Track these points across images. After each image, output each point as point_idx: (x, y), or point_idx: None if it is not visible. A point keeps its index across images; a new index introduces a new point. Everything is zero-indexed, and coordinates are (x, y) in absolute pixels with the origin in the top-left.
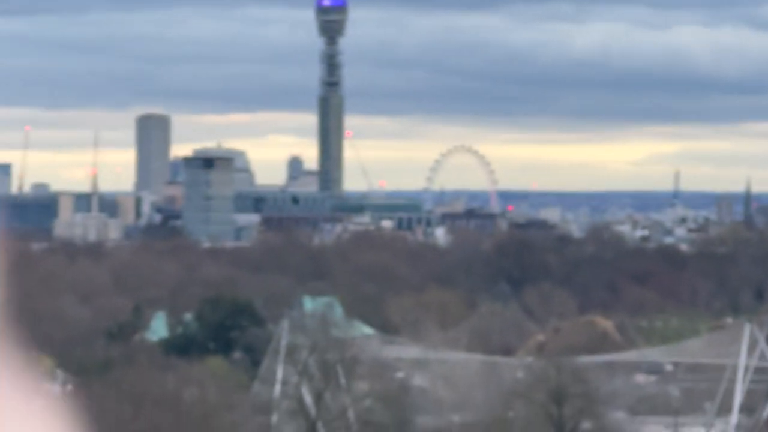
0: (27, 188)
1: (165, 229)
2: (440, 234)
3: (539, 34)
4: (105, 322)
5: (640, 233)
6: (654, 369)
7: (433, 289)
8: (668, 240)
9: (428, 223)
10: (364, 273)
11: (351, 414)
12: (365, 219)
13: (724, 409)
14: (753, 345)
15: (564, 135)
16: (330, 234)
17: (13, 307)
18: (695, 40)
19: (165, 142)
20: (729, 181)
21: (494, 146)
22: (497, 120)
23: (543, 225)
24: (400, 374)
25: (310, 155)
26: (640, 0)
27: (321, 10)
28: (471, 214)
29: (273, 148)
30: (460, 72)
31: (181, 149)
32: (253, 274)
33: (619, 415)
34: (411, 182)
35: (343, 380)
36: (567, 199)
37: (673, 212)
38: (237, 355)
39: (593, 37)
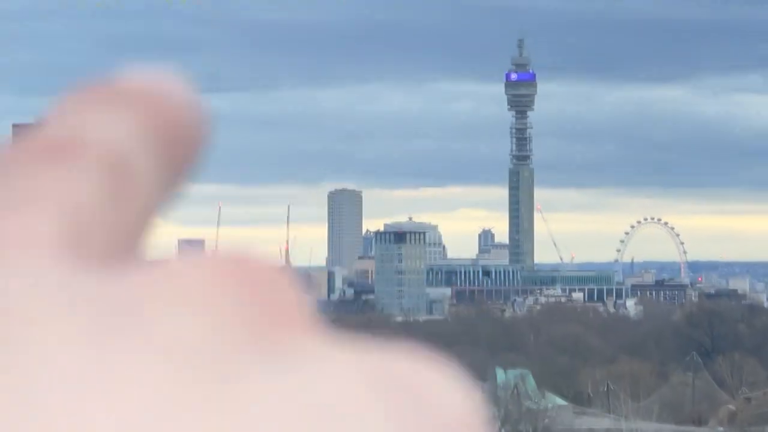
0: None
1: (358, 303)
2: (631, 305)
3: (728, 106)
4: None
5: None
6: None
7: (625, 360)
8: None
9: (619, 295)
10: (556, 344)
11: None
12: (556, 291)
13: None
14: None
15: (752, 206)
16: (521, 306)
17: None
18: None
19: (357, 217)
20: None
21: (683, 217)
22: (686, 191)
23: (733, 295)
24: None
25: (501, 228)
26: None
27: (510, 84)
28: (661, 285)
29: (464, 221)
30: (649, 144)
31: (372, 224)
32: (447, 346)
33: None
34: (601, 254)
35: None
36: (756, 269)
37: None
38: None
39: None
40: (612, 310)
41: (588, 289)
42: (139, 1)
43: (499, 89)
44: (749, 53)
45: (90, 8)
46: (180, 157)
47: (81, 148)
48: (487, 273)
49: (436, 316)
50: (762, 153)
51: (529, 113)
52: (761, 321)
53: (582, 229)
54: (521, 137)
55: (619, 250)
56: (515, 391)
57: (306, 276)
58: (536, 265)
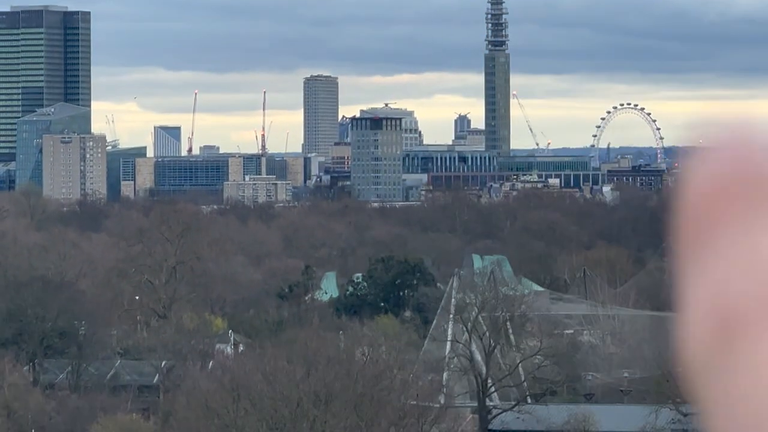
0: (197, 151)
1: (334, 189)
2: (607, 191)
3: None
4: (276, 283)
5: None
6: None
7: (601, 246)
8: None
9: (595, 180)
10: (533, 231)
11: (521, 370)
12: (533, 177)
13: None
14: None
15: (729, 91)
16: (497, 192)
17: (186, 269)
18: None
19: (332, 103)
20: None
21: (659, 103)
22: (662, 77)
23: None
24: (569, 331)
25: (477, 114)
26: None
27: None
28: (637, 170)
29: (439, 108)
30: (625, 30)
31: (348, 110)
32: (423, 233)
33: None
34: (577, 140)
35: (512, 337)
36: None
37: None
38: (408, 313)
39: None
40: (588, 195)
41: (564, 174)
42: None
43: None
44: None
45: None
46: None
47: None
48: (463, 159)
49: (412, 202)
50: (738, 38)
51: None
52: None
53: (558, 115)
54: (497, 23)
55: (595, 136)
56: (492, 277)
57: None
58: (512, 151)
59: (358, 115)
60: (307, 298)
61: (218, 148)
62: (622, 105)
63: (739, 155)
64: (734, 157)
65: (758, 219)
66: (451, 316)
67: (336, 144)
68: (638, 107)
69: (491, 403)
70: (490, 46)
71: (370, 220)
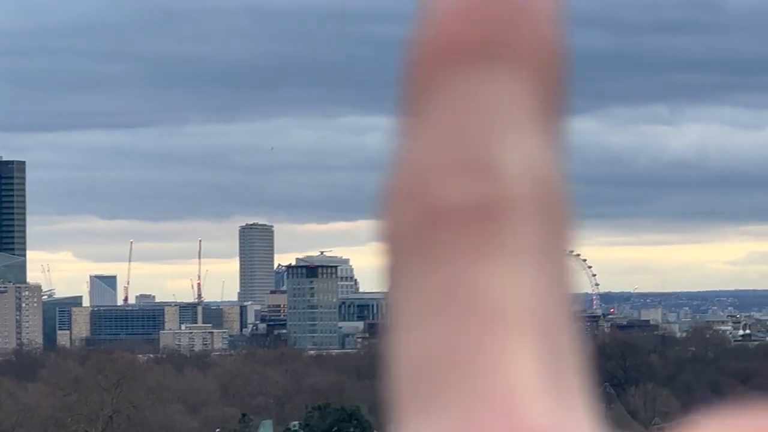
0: (133, 300)
1: (270, 337)
2: None
3: (636, 137)
4: (213, 431)
5: (741, 332)
6: None
7: None
8: None
9: None
10: None
11: None
12: None
13: None
14: None
15: (663, 236)
16: None
17: (123, 418)
18: None
19: (268, 251)
20: None
21: (594, 249)
22: (596, 223)
23: (645, 326)
24: None
25: None
26: (735, 100)
27: None
28: None
29: (375, 255)
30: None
31: (284, 258)
32: (359, 380)
33: None
34: None
35: None
36: (668, 300)
37: None
38: None
39: (689, 138)
40: None
41: None
42: (41, 37)
43: None
44: (655, 84)
45: None
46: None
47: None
48: None
49: (348, 350)
50: (671, 183)
51: None
52: (674, 351)
53: None
54: None
55: None
56: None
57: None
58: None
59: (293, 263)
60: None
61: (154, 296)
62: None
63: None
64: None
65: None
66: None
67: (272, 292)
68: (573, 253)
69: None
70: None
71: (307, 368)
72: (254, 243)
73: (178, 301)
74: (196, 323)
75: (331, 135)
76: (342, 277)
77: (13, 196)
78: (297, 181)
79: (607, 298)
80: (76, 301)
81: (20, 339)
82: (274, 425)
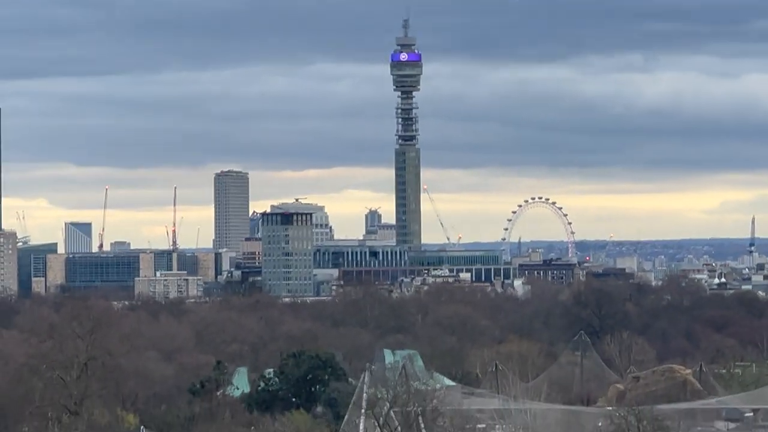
0: (108, 247)
1: (245, 285)
2: (518, 285)
3: (610, 85)
4: (188, 378)
5: (717, 281)
6: (734, 416)
7: (513, 340)
8: (746, 287)
9: (506, 275)
10: (444, 325)
11: None
12: (443, 271)
13: None
14: None
15: (638, 185)
16: (409, 286)
17: (97, 365)
18: (765, 88)
19: (243, 199)
20: None
21: (570, 197)
22: (571, 171)
23: (620, 274)
24: (481, 425)
25: (388, 209)
26: (709, 49)
27: (395, 65)
28: (549, 264)
29: (350, 202)
30: (533, 124)
31: (259, 205)
32: (334, 328)
33: None
34: (488, 234)
35: None
36: (643, 248)
37: (750, 259)
38: (319, 409)
39: (663, 86)
40: (500, 290)
41: (475, 269)
42: None
43: (384, 70)
44: (631, 33)
45: None
46: None
47: None
48: (374, 254)
49: (323, 297)
50: (646, 131)
51: (414, 93)
52: (649, 300)
53: (469, 209)
54: (407, 117)
55: (506, 230)
56: (403, 372)
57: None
58: (423, 245)
59: (268, 210)
60: (218, 393)
61: (129, 244)
62: (533, 199)
63: None
64: None
65: None
66: (363, 411)
67: (247, 239)
68: (549, 201)
69: None
70: (400, 141)
71: (282, 316)
72: (229, 190)
73: (153, 248)
74: (171, 270)
75: (303, 82)
76: (317, 224)
77: None
78: (271, 128)
79: (582, 246)
80: (51, 248)
81: None
82: (249, 372)
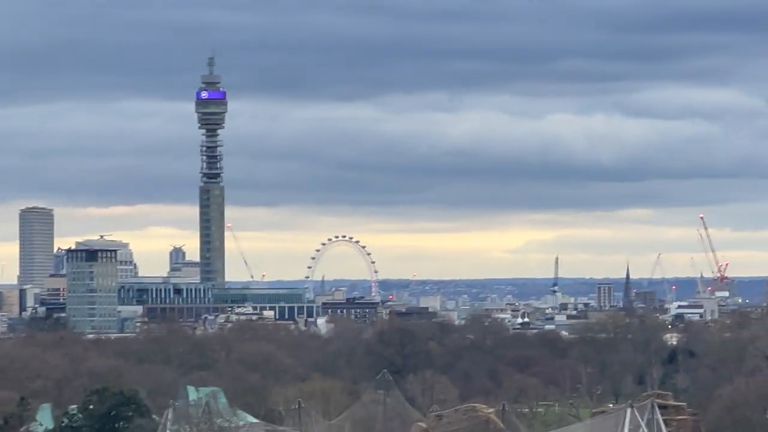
0: None
1: (49, 321)
2: (322, 323)
3: (414, 124)
4: None
5: (520, 320)
6: None
7: (316, 378)
8: (549, 326)
9: (309, 313)
10: (247, 362)
11: None
12: (247, 309)
13: None
14: (635, 430)
15: (442, 224)
16: (213, 324)
17: None
18: (569, 128)
19: (48, 235)
20: (608, 267)
21: (373, 236)
22: (374, 210)
23: (424, 313)
24: None
25: (192, 246)
26: (513, 89)
27: (200, 103)
28: (352, 303)
29: (154, 239)
30: (335, 163)
31: (64, 242)
32: (138, 364)
33: None
34: (292, 272)
35: None
36: (447, 288)
37: (554, 299)
38: None
39: (468, 126)
40: (303, 328)
41: (279, 307)
42: None
43: (189, 107)
44: (434, 71)
45: None
46: None
47: None
48: (178, 291)
49: (128, 334)
50: (449, 171)
51: (219, 131)
52: (452, 339)
53: (272, 247)
54: (212, 155)
55: (310, 268)
56: (207, 409)
57: None
58: (227, 283)
59: (73, 246)
60: (22, 430)
61: None
62: (337, 237)
63: None
64: None
65: None
66: None
67: (51, 276)
68: (353, 240)
69: None
70: (204, 179)
71: (86, 352)
72: (34, 226)
73: None
74: None
75: (109, 119)
76: (122, 261)
77: None
78: (77, 165)
79: (386, 285)
80: None
81: None
82: (53, 408)
